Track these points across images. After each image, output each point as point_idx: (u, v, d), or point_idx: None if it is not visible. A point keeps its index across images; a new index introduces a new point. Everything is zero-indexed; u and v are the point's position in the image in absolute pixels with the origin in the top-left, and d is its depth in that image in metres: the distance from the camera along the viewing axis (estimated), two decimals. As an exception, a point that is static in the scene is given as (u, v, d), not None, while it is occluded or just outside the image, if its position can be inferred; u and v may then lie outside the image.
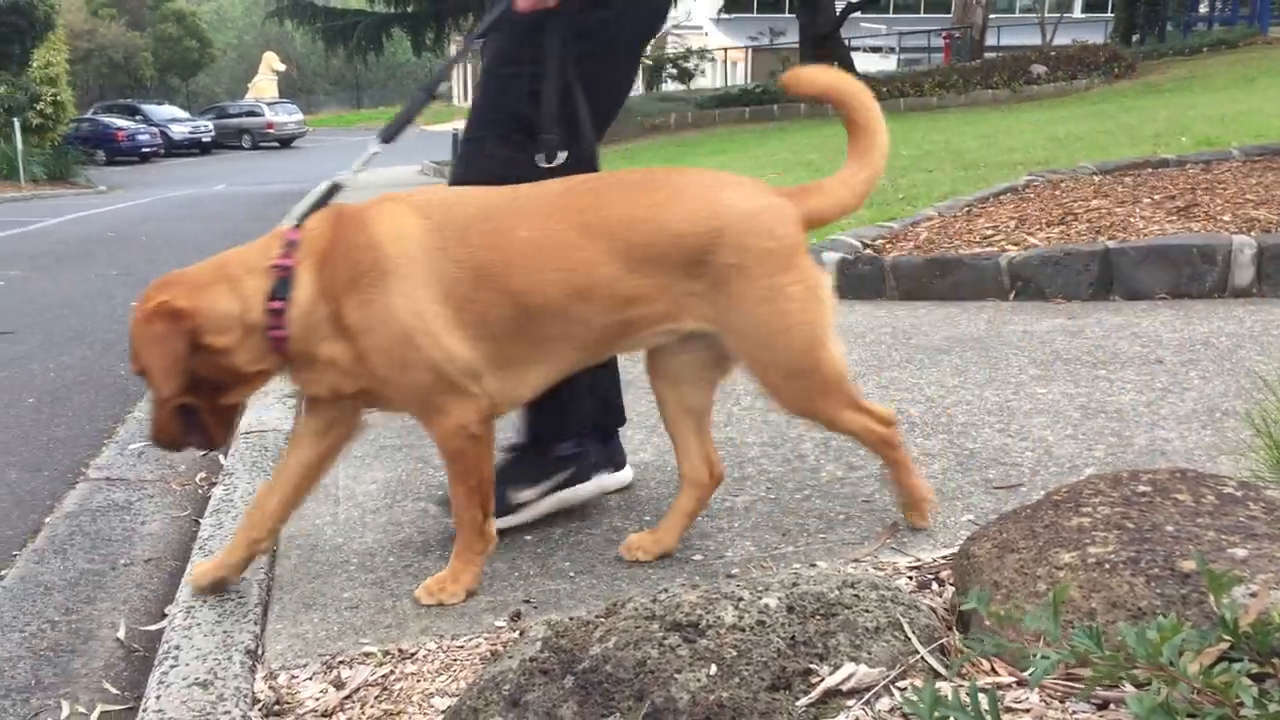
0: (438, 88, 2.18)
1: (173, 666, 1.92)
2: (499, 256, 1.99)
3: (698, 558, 2.26)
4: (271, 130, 42.07)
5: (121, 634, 2.30)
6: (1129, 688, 1.25)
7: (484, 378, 2.04)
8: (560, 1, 2.18)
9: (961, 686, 1.36)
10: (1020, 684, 1.36)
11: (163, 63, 56.85)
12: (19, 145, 23.57)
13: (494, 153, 2.31)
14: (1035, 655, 1.29)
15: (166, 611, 2.29)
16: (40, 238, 11.07)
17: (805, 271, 2.06)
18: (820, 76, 2.26)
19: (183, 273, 2.05)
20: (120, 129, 37.12)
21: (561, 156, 2.26)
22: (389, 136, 2.26)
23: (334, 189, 2.26)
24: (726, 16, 41.53)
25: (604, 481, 2.55)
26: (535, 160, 2.25)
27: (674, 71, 30.41)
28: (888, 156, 2.22)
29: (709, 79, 34.41)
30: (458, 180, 2.33)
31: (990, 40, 27.61)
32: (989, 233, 5.08)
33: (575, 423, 2.49)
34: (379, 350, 1.99)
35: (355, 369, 2.02)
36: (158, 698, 1.82)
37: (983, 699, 1.14)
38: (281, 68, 57.69)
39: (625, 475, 2.62)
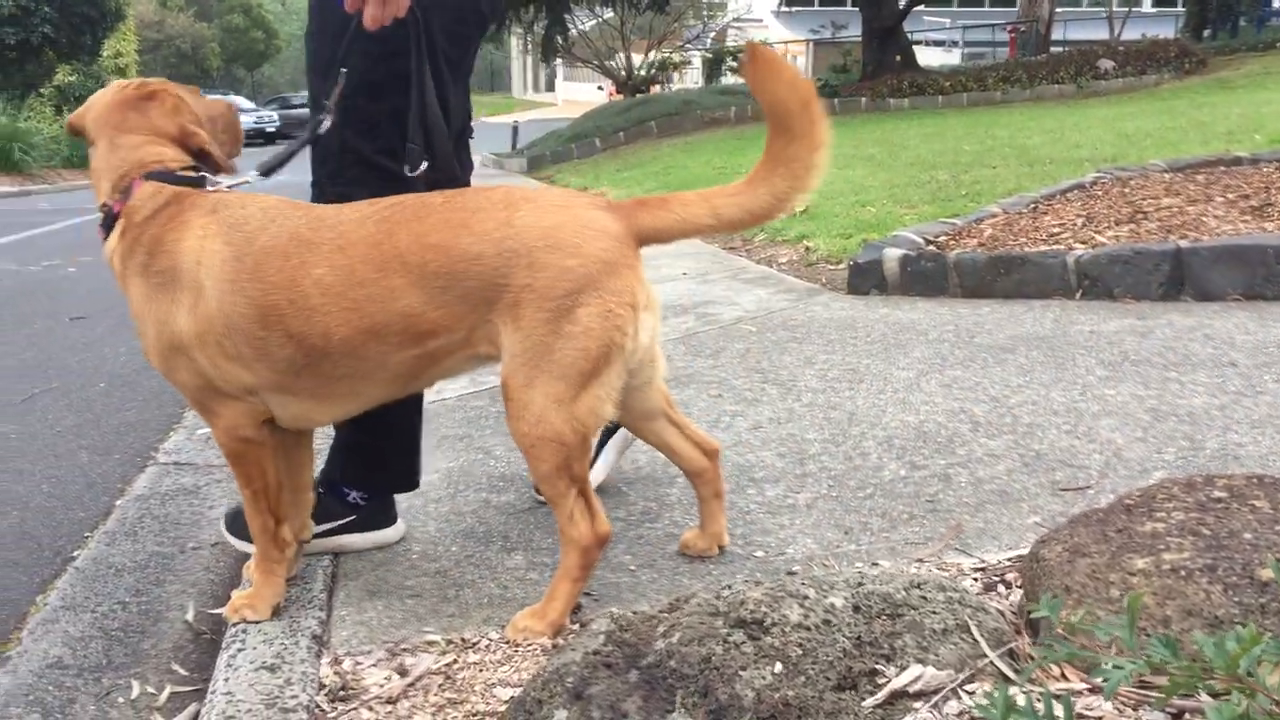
0: (319, 129, 2.11)
1: (240, 650, 1.95)
2: (288, 298, 1.88)
3: (759, 554, 2.25)
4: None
5: (190, 616, 2.34)
6: (1205, 698, 1.23)
7: (263, 396, 1.98)
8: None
9: (1032, 692, 1.34)
10: (1093, 691, 1.34)
11: (229, 53, 57.77)
12: (90, 134, 24.03)
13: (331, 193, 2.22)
14: (1108, 663, 1.27)
15: (233, 595, 2.32)
16: (110, 225, 11.30)
17: (613, 295, 1.85)
18: (778, 63, 1.89)
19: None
20: (188, 119, 37.65)
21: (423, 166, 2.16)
22: (267, 171, 2.17)
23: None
24: (787, 10, 41.32)
25: (378, 537, 2.43)
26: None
27: (734, 65, 30.28)
28: (813, 183, 1.90)
29: (769, 72, 34.18)
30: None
31: (1056, 34, 27.16)
32: (1055, 230, 5.00)
33: (385, 481, 2.43)
34: (147, 340, 1.97)
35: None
36: (226, 680, 1.85)
37: (1057, 706, 1.12)
38: (345, 59, 58.20)
39: (399, 529, 2.47)
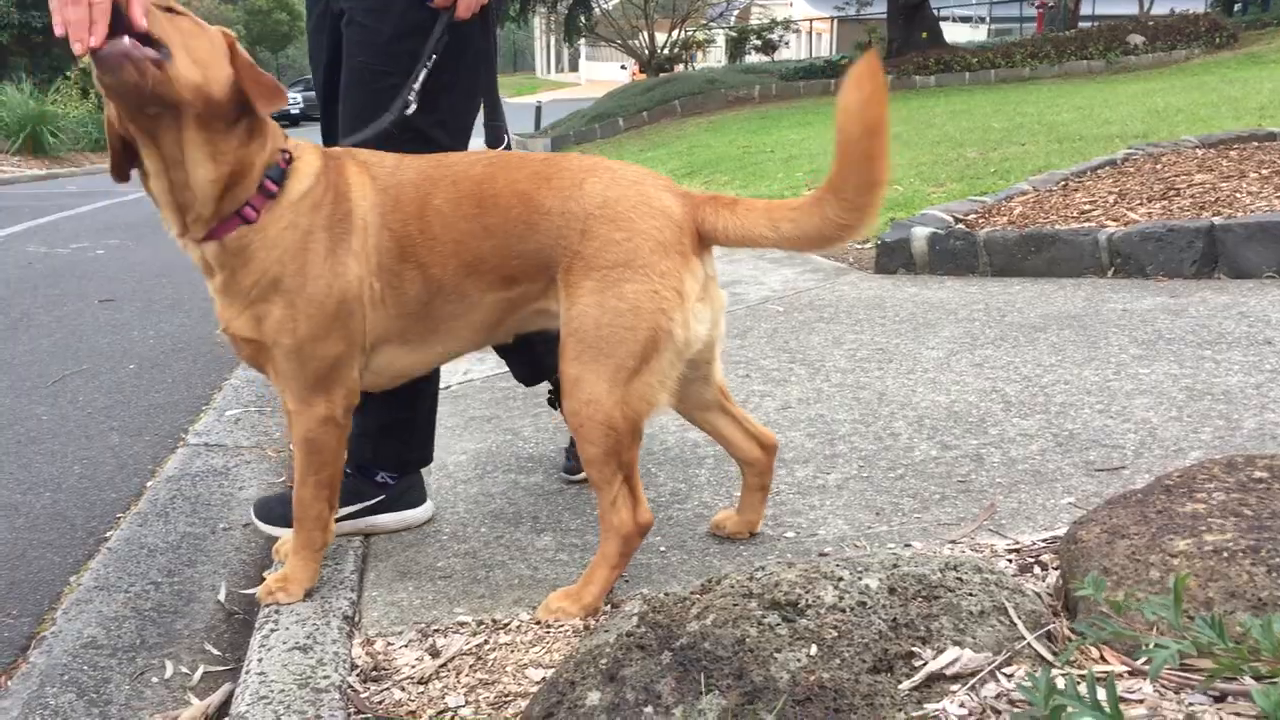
0: (407, 110, 2.19)
1: (273, 630, 1.96)
2: (418, 226, 1.97)
3: (790, 535, 2.23)
4: (358, 102, 42.52)
5: (222, 596, 2.35)
6: (1250, 681, 1.21)
7: (380, 352, 2.05)
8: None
9: (1072, 674, 1.32)
10: (1133, 673, 1.32)
11: (254, 35, 57.80)
12: (115, 117, 24.09)
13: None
14: (1150, 644, 1.25)
15: (265, 575, 2.33)
16: (137, 207, 11.32)
17: (659, 277, 1.85)
18: (863, 78, 1.74)
19: None
20: (213, 101, 37.86)
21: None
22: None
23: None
24: (812, -14, 40.94)
25: (407, 516, 2.46)
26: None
27: (758, 43, 30.12)
28: (865, 220, 1.81)
29: (793, 50, 34.02)
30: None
31: (1085, 9, 26.85)
32: (1086, 207, 4.94)
33: (415, 458, 2.48)
34: (311, 307, 1.94)
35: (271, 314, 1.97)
36: (259, 660, 1.85)
37: (1100, 689, 1.11)
38: (369, 40, 58.29)
39: (428, 509, 2.51)
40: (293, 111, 40.91)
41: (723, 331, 2.04)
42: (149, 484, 3.09)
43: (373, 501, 2.41)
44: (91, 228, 9.74)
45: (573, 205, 1.90)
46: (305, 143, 2.05)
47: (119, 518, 2.85)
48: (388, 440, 2.42)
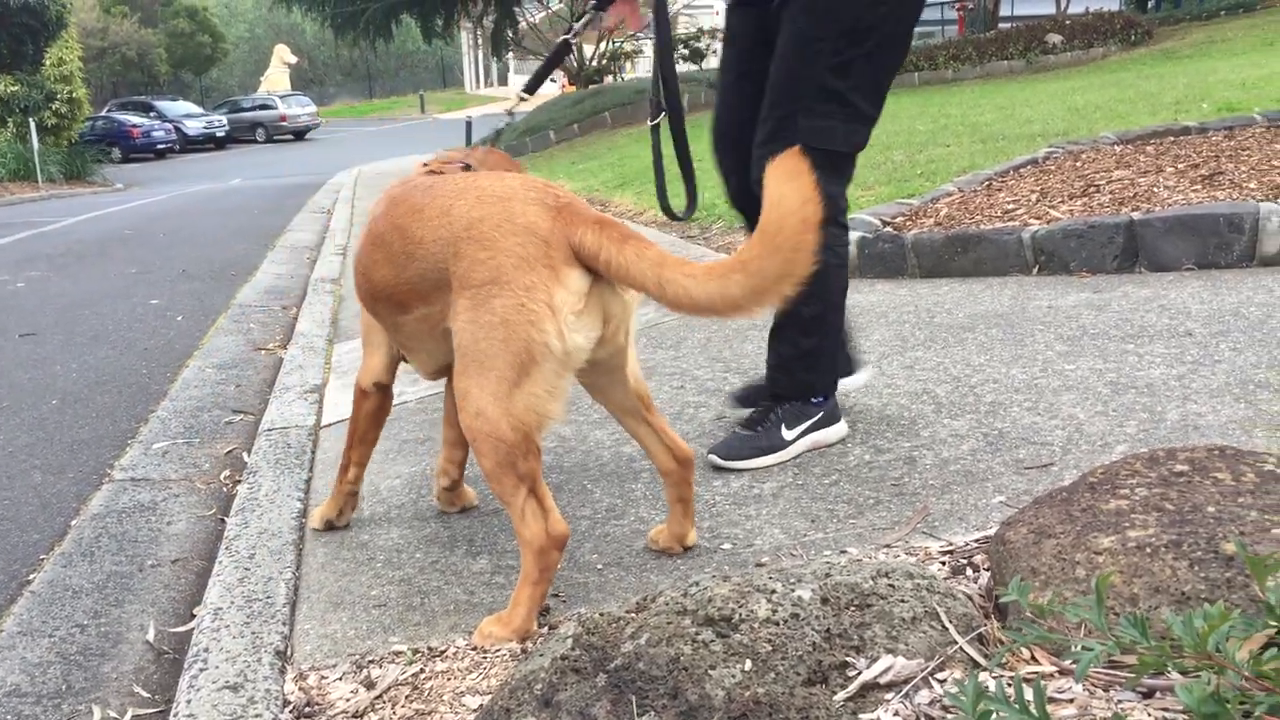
0: (574, 36, 2.57)
1: (202, 670, 1.91)
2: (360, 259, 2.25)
3: (726, 547, 2.23)
4: (285, 123, 42.16)
5: (151, 636, 2.30)
6: (1176, 676, 1.22)
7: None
8: None
9: (1003, 677, 1.33)
10: (1063, 673, 1.33)
11: (176, 58, 56.96)
12: (35, 145, 23.60)
13: (803, 126, 2.51)
14: (1078, 645, 1.26)
15: (195, 613, 2.28)
16: (59, 237, 11.11)
17: (523, 293, 1.84)
18: (804, 174, 1.70)
19: None
20: (135, 126, 37.33)
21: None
22: (531, 88, 2.63)
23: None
24: (737, -5, 41.16)
25: (841, 428, 2.77)
26: (843, 128, 2.56)
27: (685, 52, 30.25)
28: (767, 303, 1.76)
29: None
30: (770, 155, 2.31)
31: (1004, 10, 27.31)
32: (1010, 207, 5.02)
33: (832, 380, 2.79)
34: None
35: None
36: (188, 702, 1.81)
37: (1028, 691, 1.11)
38: (293, 60, 57.73)
39: (843, 427, 2.80)
40: (218, 134, 40.44)
41: (628, 335, 2.04)
42: (73, 522, 3.01)
43: (815, 419, 2.70)
44: (10, 260, 9.52)
45: (442, 232, 1.97)
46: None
47: (42, 559, 2.77)
48: (822, 366, 2.73)
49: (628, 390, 2.14)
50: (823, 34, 2.52)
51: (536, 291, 1.84)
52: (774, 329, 2.75)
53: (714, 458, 2.67)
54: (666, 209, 2.71)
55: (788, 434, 2.67)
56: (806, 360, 2.71)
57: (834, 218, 2.49)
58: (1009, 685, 1.16)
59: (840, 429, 2.76)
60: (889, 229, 5.06)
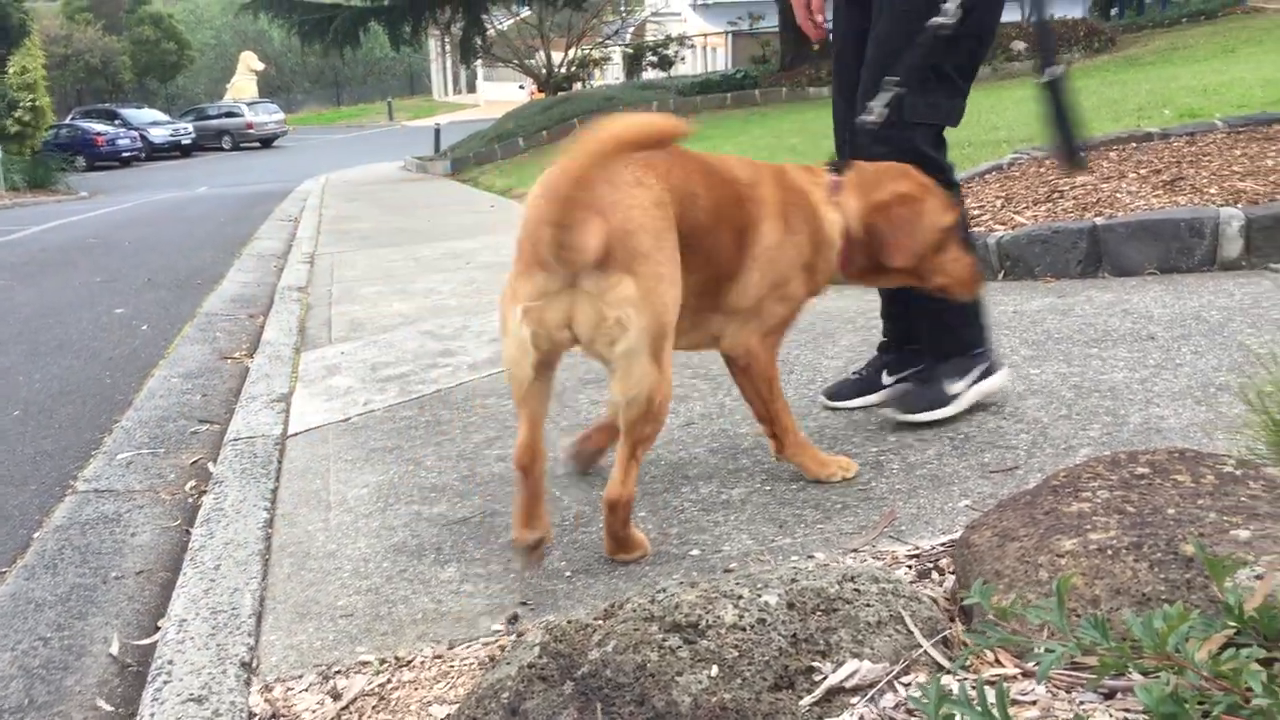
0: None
1: (166, 682, 1.89)
2: None
3: (695, 553, 2.23)
4: (252, 130, 41.92)
5: (115, 649, 2.27)
6: (1136, 676, 1.23)
7: None
8: None
9: (966, 680, 1.34)
10: (1026, 675, 1.34)
11: (141, 66, 56.44)
12: (-2, 153, 23.40)
13: (915, 102, 2.63)
14: (1040, 647, 1.27)
15: (159, 625, 2.26)
16: (22, 246, 10.98)
17: None
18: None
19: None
20: (100, 134, 36.97)
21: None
22: (905, 82, 2.62)
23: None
24: (705, 2, 41.35)
25: (1006, 374, 2.93)
26: (948, 104, 2.72)
27: (654, 59, 30.30)
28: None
29: (689, 66, 34.29)
30: (881, 132, 2.66)
31: (970, 18, 27.42)
32: (976, 212, 5.06)
33: (981, 326, 2.89)
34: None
35: None
36: (152, 715, 1.79)
37: (990, 693, 1.12)
38: (260, 67, 57.44)
39: (1007, 373, 2.95)
40: (183, 142, 40.14)
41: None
42: (36, 535, 2.97)
43: (980, 370, 2.82)
44: (-28, 270, 9.40)
45: None
46: None
47: (3, 573, 2.74)
48: (973, 321, 2.82)
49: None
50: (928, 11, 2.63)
51: None
52: (895, 296, 2.95)
53: (889, 411, 2.88)
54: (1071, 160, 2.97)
55: (955, 387, 2.80)
56: (956, 315, 2.79)
57: (956, 183, 2.88)
58: (972, 688, 1.17)
59: (1004, 375, 2.90)
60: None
